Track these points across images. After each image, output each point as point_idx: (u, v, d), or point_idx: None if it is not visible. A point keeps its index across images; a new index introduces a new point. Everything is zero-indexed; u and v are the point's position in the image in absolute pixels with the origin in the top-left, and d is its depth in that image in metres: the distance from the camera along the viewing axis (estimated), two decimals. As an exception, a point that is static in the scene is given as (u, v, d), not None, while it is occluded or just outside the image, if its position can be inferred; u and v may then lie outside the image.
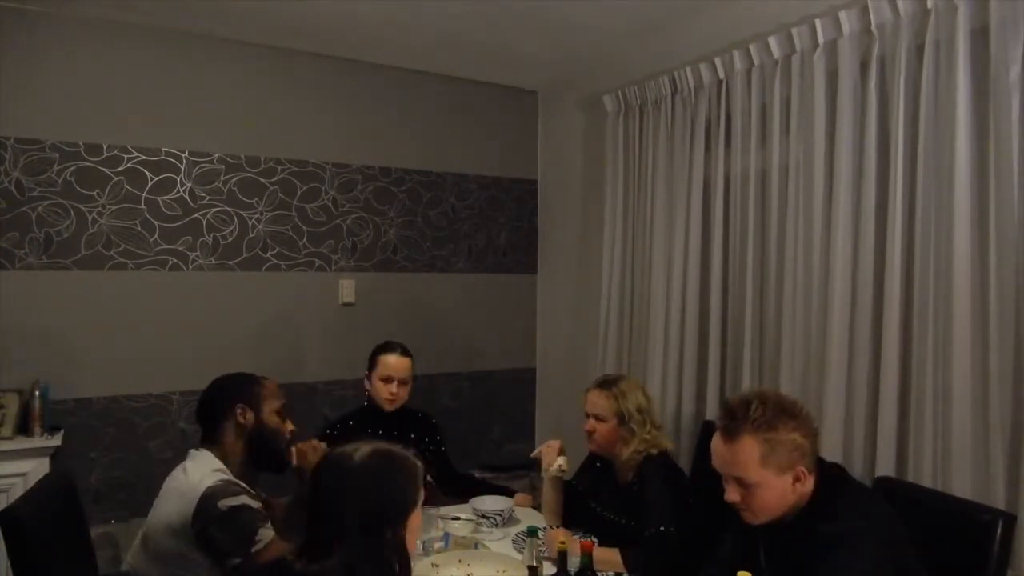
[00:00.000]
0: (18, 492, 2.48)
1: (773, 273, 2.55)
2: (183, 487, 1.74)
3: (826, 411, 2.27)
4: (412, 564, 1.40)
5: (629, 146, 3.29)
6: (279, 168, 3.45)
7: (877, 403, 2.17)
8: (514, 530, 2.30)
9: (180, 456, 1.90)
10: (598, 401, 2.29)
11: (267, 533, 1.69)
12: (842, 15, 2.27)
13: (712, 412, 2.77)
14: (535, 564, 1.89)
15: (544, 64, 3.67)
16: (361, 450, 1.37)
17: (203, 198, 3.28)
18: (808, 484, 1.55)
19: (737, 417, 1.54)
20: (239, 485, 1.78)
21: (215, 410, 1.90)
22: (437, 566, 1.94)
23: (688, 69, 2.90)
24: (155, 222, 3.18)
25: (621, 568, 2.02)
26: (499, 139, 4.06)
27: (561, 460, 2.36)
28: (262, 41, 3.35)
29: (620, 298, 3.32)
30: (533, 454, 2.53)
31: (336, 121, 3.59)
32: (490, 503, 2.41)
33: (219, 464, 1.81)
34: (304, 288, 3.51)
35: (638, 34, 3.20)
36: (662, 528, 2.03)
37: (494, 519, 2.33)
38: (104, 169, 3.08)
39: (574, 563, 1.79)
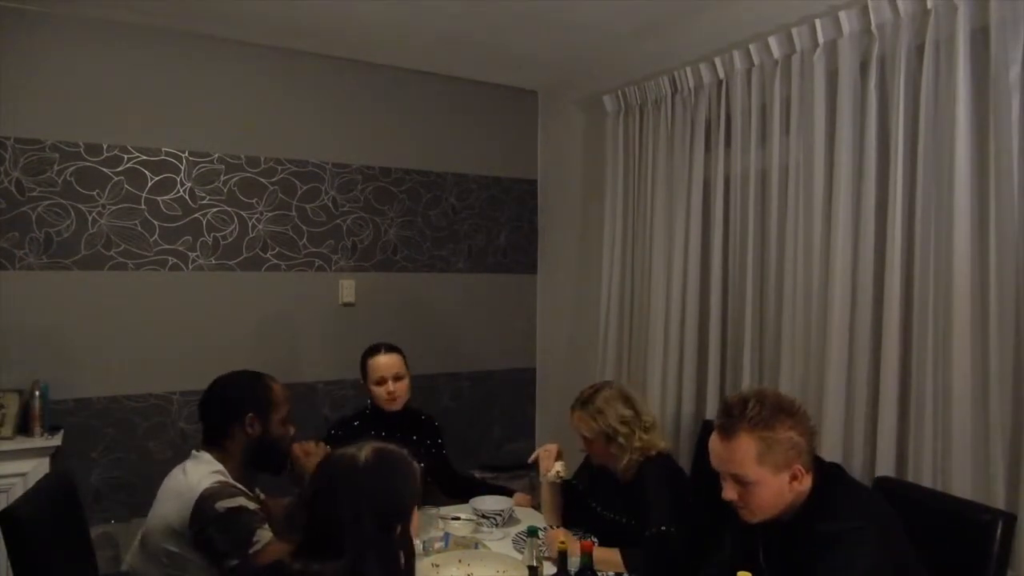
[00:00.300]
0: (18, 492, 2.48)
1: (773, 273, 2.55)
2: (181, 488, 1.74)
3: (826, 411, 2.27)
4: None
5: (629, 146, 3.29)
6: (279, 168, 3.45)
7: (877, 403, 2.17)
8: (514, 530, 2.30)
9: (180, 456, 1.90)
10: (579, 424, 2.27)
11: (265, 534, 1.69)
12: (842, 15, 2.27)
13: (712, 412, 2.77)
14: (535, 564, 1.89)
15: (544, 64, 3.67)
16: (362, 450, 1.37)
17: (203, 198, 3.28)
18: (805, 483, 1.55)
19: (734, 415, 1.55)
20: (236, 487, 1.78)
21: (221, 414, 1.87)
22: (437, 566, 1.94)
23: (688, 69, 2.90)
24: (155, 222, 3.18)
25: (622, 568, 2.02)
26: (499, 139, 4.06)
27: (559, 466, 2.35)
28: (262, 41, 3.35)
29: (620, 298, 3.31)
30: (531, 459, 2.52)
31: (336, 121, 3.59)
32: (490, 503, 2.41)
33: (218, 466, 1.81)
34: (304, 288, 3.51)
35: (638, 34, 3.20)
36: (663, 528, 2.02)
37: (494, 519, 2.33)
38: (104, 169, 3.08)
39: (574, 563, 1.79)
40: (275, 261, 3.44)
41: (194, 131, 3.25)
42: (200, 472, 1.77)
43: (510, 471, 3.75)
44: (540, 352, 4.18)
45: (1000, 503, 1.85)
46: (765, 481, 1.52)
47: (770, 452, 1.51)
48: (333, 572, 1.26)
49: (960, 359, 1.94)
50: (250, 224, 3.38)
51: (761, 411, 1.53)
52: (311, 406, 3.49)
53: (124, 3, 2.92)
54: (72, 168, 3.02)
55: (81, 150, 3.03)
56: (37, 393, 2.79)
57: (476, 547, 2.12)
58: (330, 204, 3.57)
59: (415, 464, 1.42)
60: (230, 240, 3.34)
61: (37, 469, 2.66)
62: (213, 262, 3.30)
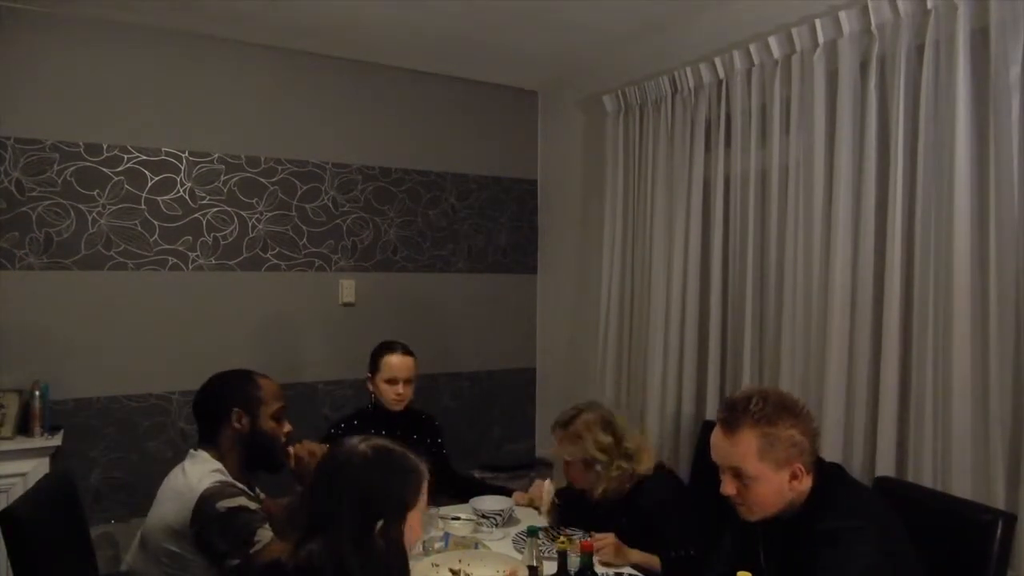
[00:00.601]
0: (18, 492, 2.47)
1: (773, 273, 2.55)
2: (181, 488, 1.74)
3: (826, 411, 2.26)
4: (411, 565, 1.40)
5: (629, 146, 3.29)
6: (279, 168, 3.45)
7: (877, 403, 2.17)
8: (514, 530, 2.29)
9: (180, 456, 1.90)
10: (559, 448, 2.26)
11: (265, 534, 1.69)
12: (842, 15, 2.27)
13: (712, 412, 2.77)
14: (535, 564, 1.89)
15: (544, 64, 3.67)
16: (361, 444, 1.37)
17: (203, 198, 3.28)
18: (805, 483, 1.55)
19: (737, 410, 1.56)
20: (237, 486, 1.78)
21: (211, 411, 1.87)
22: (437, 566, 1.94)
23: (688, 69, 2.90)
24: (155, 222, 3.18)
25: (658, 568, 2.02)
26: (499, 139, 4.06)
27: (553, 496, 2.37)
28: (262, 41, 3.35)
29: (620, 298, 3.31)
30: (524, 502, 2.51)
31: (336, 121, 3.59)
32: (490, 503, 2.41)
33: (217, 465, 1.81)
34: (304, 288, 3.50)
35: (638, 34, 3.20)
36: (682, 553, 2.02)
37: (494, 519, 2.33)
38: (104, 169, 3.08)
39: (574, 563, 1.79)
40: (275, 261, 3.44)
41: (194, 131, 3.25)
42: (200, 471, 1.76)
43: (510, 471, 3.75)
44: (540, 352, 4.18)
45: (1000, 503, 1.85)
46: (765, 477, 1.53)
47: (771, 448, 1.52)
48: (317, 557, 1.26)
49: (960, 359, 1.94)
50: (250, 224, 3.38)
51: (764, 407, 1.54)
52: (311, 406, 3.49)
53: (124, 3, 2.92)
54: (72, 168, 3.02)
55: (81, 150, 3.03)
56: (37, 393, 2.79)
57: (476, 547, 2.11)
58: (330, 204, 3.57)
59: (420, 468, 1.40)
60: (230, 240, 3.34)
61: (37, 469, 2.66)
62: (213, 262, 3.30)
